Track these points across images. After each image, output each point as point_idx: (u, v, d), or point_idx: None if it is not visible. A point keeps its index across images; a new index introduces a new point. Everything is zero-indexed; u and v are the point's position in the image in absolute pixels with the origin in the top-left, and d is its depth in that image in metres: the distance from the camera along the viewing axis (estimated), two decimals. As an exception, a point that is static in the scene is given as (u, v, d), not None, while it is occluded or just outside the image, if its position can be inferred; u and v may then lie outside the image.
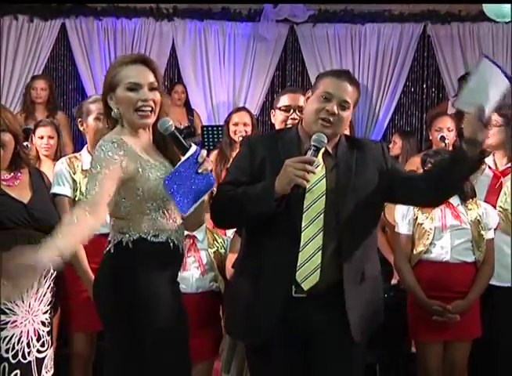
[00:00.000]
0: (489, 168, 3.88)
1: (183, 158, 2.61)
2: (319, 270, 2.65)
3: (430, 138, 5.19)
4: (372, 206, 2.76)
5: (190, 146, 2.61)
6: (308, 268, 2.65)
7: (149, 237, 2.65)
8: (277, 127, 3.55)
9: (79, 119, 3.65)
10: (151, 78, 2.67)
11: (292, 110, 3.47)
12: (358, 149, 2.79)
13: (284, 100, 3.55)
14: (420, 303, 3.56)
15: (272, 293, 2.67)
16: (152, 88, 2.66)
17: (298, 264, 2.65)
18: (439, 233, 3.58)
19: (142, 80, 2.64)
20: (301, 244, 2.65)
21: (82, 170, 3.51)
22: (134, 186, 2.61)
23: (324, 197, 2.68)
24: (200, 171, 2.60)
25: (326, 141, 2.61)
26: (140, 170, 2.61)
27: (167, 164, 2.71)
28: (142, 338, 2.61)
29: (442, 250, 3.57)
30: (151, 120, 2.68)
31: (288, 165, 2.53)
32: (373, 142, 2.96)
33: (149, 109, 2.65)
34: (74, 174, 3.51)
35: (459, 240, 3.58)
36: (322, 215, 2.67)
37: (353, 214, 2.68)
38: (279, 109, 3.56)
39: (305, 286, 2.66)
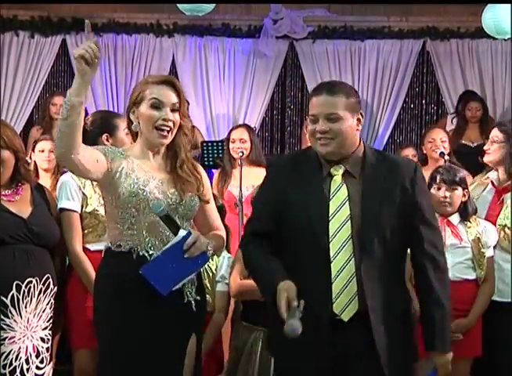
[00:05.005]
0: (492, 183, 3.84)
1: (167, 246, 2.63)
2: (356, 298, 2.52)
3: (425, 152, 5.21)
4: (397, 236, 2.59)
5: (178, 230, 2.61)
6: (345, 298, 2.52)
7: (114, 248, 2.73)
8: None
9: (104, 135, 3.50)
10: (174, 99, 2.74)
11: None
12: (387, 169, 2.63)
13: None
14: None
15: (309, 327, 2.45)
16: (173, 110, 2.74)
17: (333, 296, 2.52)
18: None
19: (165, 99, 2.72)
20: (333, 274, 2.52)
21: (92, 184, 3.41)
22: (110, 190, 2.70)
23: (349, 222, 2.55)
24: (185, 256, 2.61)
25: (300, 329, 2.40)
26: (121, 173, 2.68)
27: (174, 193, 2.74)
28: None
29: None
30: (168, 140, 2.75)
31: (279, 296, 2.44)
32: (405, 162, 2.78)
33: (168, 129, 2.72)
34: (84, 187, 3.42)
35: (460, 259, 3.57)
36: (350, 241, 2.54)
37: (376, 244, 2.55)
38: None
39: (345, 317, 2.53)
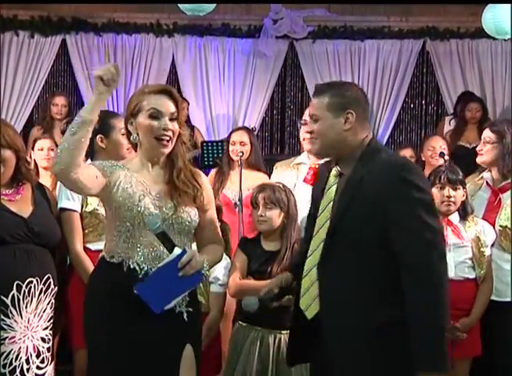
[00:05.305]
0: (487, 183, 3.83)
1: (161, 264, 2.60)
2: (317, 300, 2.52)
3: (423, 158, 5.38)
4: (377, 244, 2.43)
5: (173, 248, 2.58)
6: (310, 296, 2.55)
7: (107, 258, 2.72)
8: None
9: (99, 136, 3.51)
10: (173, 109, 2.73)
11: None
12: (372, 170, 2.46)
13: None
14: None
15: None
16: (172, 119, 2.72)
17: (301, 292, 2.58)
18: None
19: (163, 109, 2.71)
20: (303, 272, 2.58)
21: None
22: (108, 204, 2.70)
23: (328, 222, 2.53)
24: (180, 275, 2.56)
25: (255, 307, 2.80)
26: (118, 186, 2.67)
27: (169, 205, 2.71)
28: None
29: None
30: (168, 149, 2.74)
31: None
32: (393, 162, 2.52)
33: (168, 138, 2.71)
34: None
35: (461, 258, 3.58)
36: (323, 243, 2.53)
37: (342, 249, 2.47)
38: None
39: (308, 315, 2.55)
